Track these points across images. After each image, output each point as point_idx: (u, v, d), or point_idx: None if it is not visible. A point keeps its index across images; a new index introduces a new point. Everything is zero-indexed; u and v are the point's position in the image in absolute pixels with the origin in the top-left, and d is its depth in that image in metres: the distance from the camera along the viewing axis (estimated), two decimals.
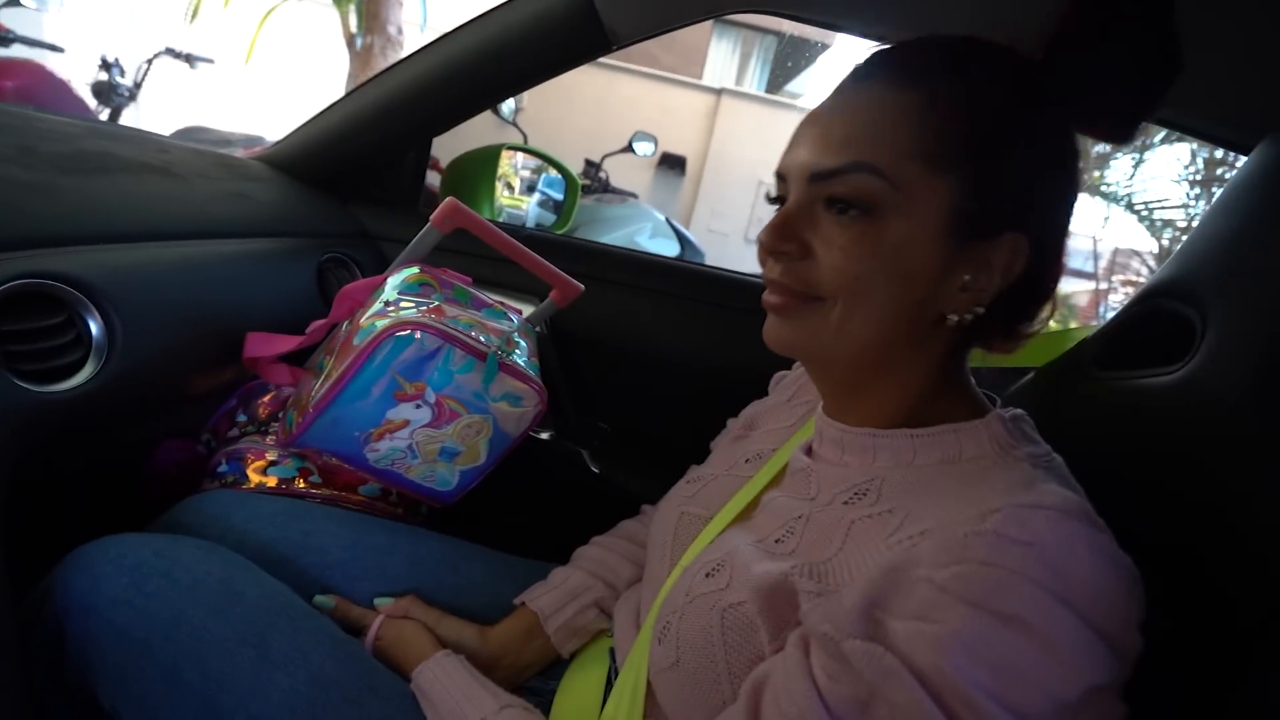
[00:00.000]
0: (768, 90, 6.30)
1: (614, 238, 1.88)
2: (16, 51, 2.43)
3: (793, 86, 6.70)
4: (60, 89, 2.33)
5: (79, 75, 2.66)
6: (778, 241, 0.43)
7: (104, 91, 2.67)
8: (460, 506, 0.76)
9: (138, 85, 2.78)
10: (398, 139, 0.98)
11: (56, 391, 0.53)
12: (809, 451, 0.51)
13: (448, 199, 0.71)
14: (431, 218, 0.71)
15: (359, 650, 0.55)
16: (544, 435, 0.95)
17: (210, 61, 3.43)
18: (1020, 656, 0.31)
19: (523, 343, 0.73)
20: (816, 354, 0.46)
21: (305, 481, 0.73)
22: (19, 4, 2.53)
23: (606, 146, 2.43)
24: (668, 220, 2.12)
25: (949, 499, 0.38)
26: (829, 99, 0.44)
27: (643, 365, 0.93)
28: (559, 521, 0.88)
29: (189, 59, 3.00)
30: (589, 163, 2.38)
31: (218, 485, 0.72)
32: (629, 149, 2.33)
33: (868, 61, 0.44)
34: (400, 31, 4.00)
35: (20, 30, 2.44)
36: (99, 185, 0.67)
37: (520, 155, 1.54)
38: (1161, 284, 0.53)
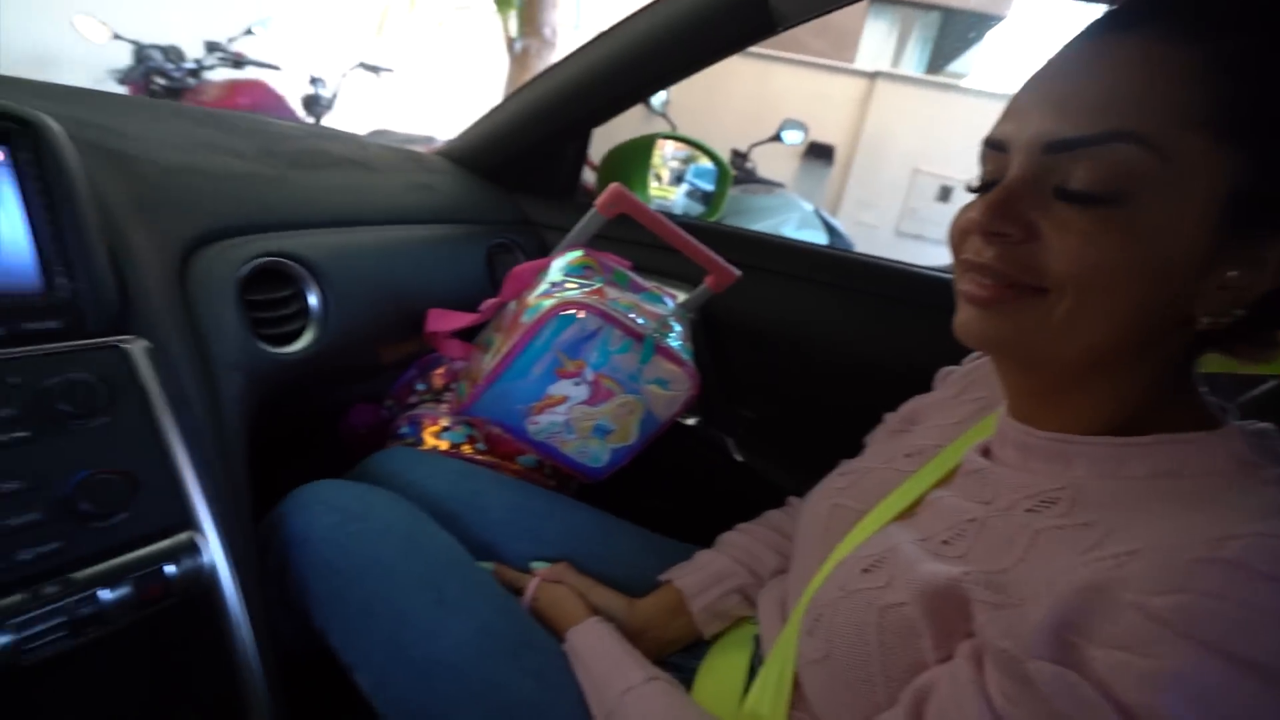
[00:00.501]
0: (928, 71, 5.85)
1: (760, 228, 1.85)
2: (248, 73, 2.88)
3: (956, 66, 6.17)
4: (279, 102, 2.73)
5: (289, 89, 3.08)
6: (998, 221, 0.36)
7: (311, 103, 3.07)
8: (605, 485, 0.79)
9: (334, 96, 3.17)
10: (558, 132, 1.03)
11: (286, 354, 0.62)
12: (986, 453, 0.47)
13: (612, 185, 0.73)
14: (596, 203, 0.74)
15: (519, 608, 0.59)
16: (690, 421, 0.95)
17: (390, 71, 3.83)
18: (1262, 712, 0.26)
19: (677, 327, 0.74)
20: (1028, 353, 0.40)
21: (472, 447, 0.79)
22: (250, 33, 2.97)
23: (752, 136, 2.39)
24: (816, 211, 2.05)
25: (1166, 518, 0.33)
26: (1069, 53, 0.37)
27: (792, 355, 0.91)
28: (699, 507, 0.88)
29: (375, 69, 3.39)
30: (736, 152, 2.36)
31: (397, 445, 0.80)
32: (776, 138, 2.28)
33: (1127, 8, 0.36)
34: (554, 33, 4.20)
35: (250, 55, 2.88)
36: (318, 178, 0.77)
37: (669, 146, 1.56)
38: None
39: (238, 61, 2.78)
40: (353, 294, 0.70)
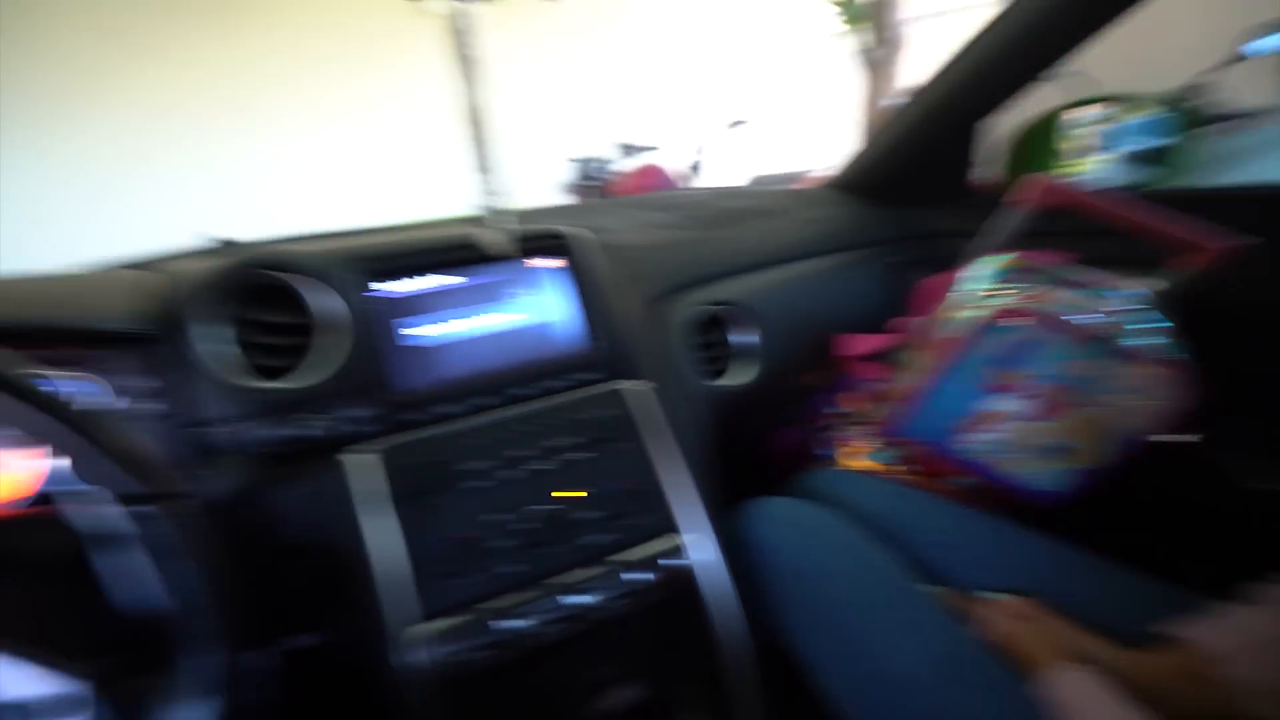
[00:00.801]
0: None
1: (1242, 178, 1.38)
2: (637, 158, 3.53)
3: None
4: (665, 176, 3.25)
5: (669, 162, 3.62)
6: None
7: (695, 169, 3.57)
8: (1059, 512, 0.69)
9: (708, 160, 3.61)
10: (942, 138, 0.98)
11: (727, 385, 0.73)
12: None
13: (1032, 176, 0.65)
14: (1015, 198, 0.67)
15: (976, 640, 0.55)
16: (1182, 438, 0.76)
17: (745, 122, 4.16)
18: None
19: (1148, 324, 0.61)
20: None
21: (896, 469, 0.78)
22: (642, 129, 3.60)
23: (1204, 63, 1.81)
24: None
25: None
26: None
27: None
28: (1194, 546, 0.69)
29: (738, 125, 3.76)
30: (1184, 89, 1.82)
31: (818, 466, 0.84)
32: (1244, 56, 1.69)
33: None
34: (898, 33, 3.96)
35: (634, 141, 3.53)
36: (730, 232, 0.88)
37: (1078, 113, 1.30)
38: None
39: (628, 150, 3.43)
40: (775, 329, 0.78)
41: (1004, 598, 0.60)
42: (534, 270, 0.62)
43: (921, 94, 0.96)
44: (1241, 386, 0.73)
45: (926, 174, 1.04)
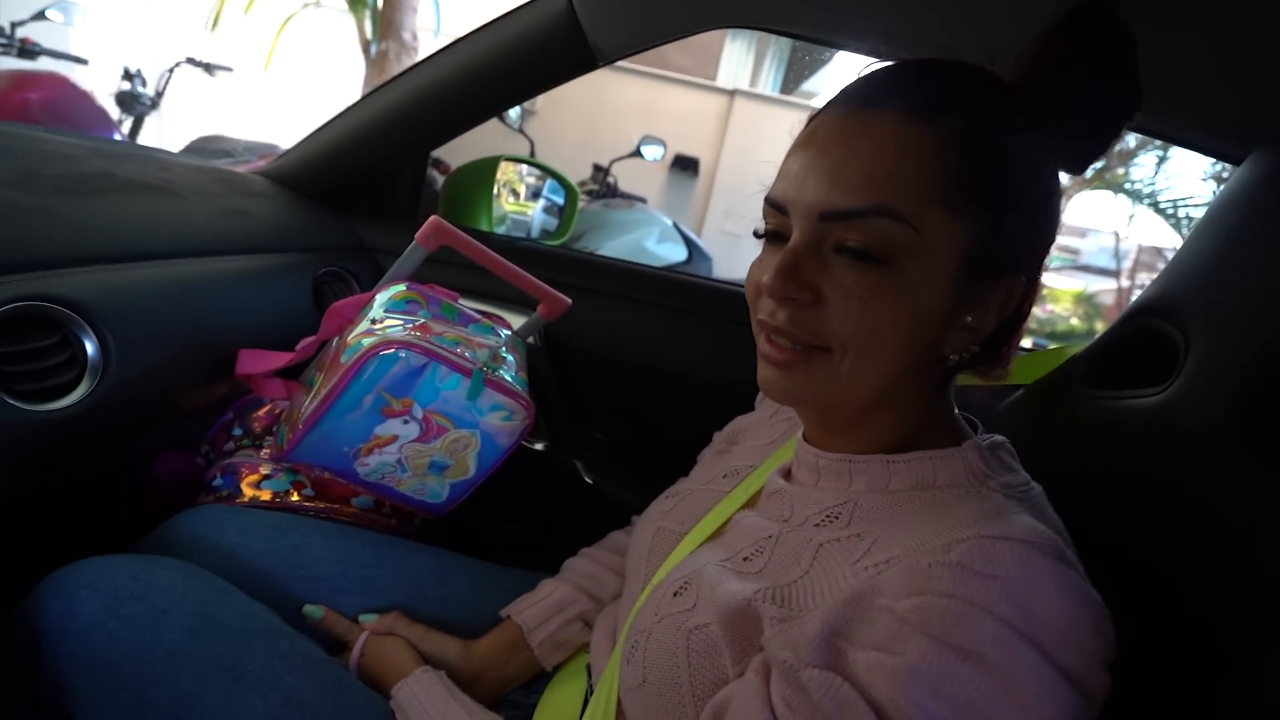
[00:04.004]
0: (782, 91, 6.24)
1: (620, 243, 1.89)
2: (43, 65, 2.50)
3: (809, 86, 6.64)
4: (83, 100, 2.39)
5: (102, 86, 2.72)
6: (790, 287, 0.39)
7: (127, 101, 2.73)
8: (455, 516, 0.77)
9: (159, 94, 2.84)
10: (395, 152, 0.99)
11: (49, 410, 0.55)
12: (787, 475, 0.51)
13: (431, 217, 0.71)
14: (417, 236, 0.72)
15: (336, 671, 0.56)
16: (539, 446, 0.95)
17: (229, 69, 3.49)
18: (979, 693, 0.30)
19: (510, 357, 0.73)
20: (820, 404, 0.45)
21: (299, 495, 0.74)
22: (45, 18, 2.59)
23: (619, 149, 2.43)
24: (675, 225, 2.12)
25: (918, 527, 0.38)
26: (832, 124, 0.41)
27: (638, 376, 0.93)
28: (554, 532, 0.88)
29: (208, 67, 3.07)
30: (597, 167, 2.38)
31: (212, 499, 0.73)
32: (637, 153, 2.34)
33: (873, 88, 0.41)
34: (415, 37, 4.04)
35: (46, 44, 2.51)
36: (97, 207, 0.68)
37: (512, 165, 1.54)
38: (1148, 302, 0.52)
39: (26, 50, 2.39)
40: (143, 337, 0.63)
41: (374, 617, 0.63)
42: None
43: (374, 104, 0.95)
44: (577, 404, 0.96)
45: (377, 186, 1.04)
